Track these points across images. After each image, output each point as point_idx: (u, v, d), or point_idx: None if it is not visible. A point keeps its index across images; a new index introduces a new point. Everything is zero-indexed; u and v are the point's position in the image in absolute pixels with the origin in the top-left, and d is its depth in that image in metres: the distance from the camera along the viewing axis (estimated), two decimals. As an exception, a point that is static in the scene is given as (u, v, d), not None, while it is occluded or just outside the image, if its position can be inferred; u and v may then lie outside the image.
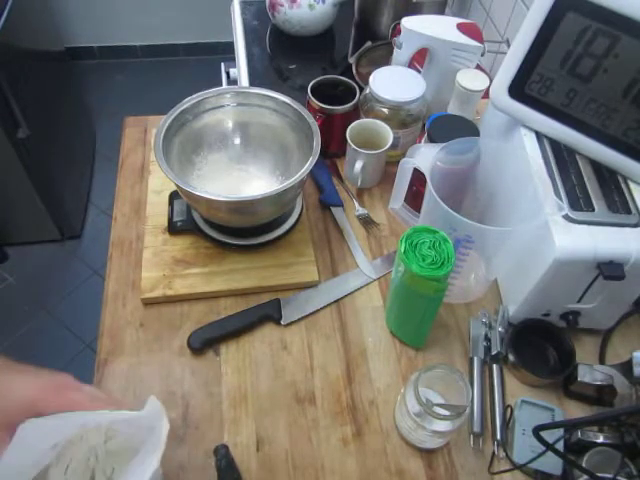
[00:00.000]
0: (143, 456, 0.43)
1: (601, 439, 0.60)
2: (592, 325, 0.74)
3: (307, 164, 0.71)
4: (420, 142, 0.83)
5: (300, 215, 0.82)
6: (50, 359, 1.63)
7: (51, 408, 0.45)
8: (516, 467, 0.63)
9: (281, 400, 0.68)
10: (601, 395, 0.67)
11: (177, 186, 0.70)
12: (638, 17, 0.59)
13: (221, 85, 1.44)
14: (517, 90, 0.70)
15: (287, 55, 1.27)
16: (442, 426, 0.59)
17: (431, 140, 0.77)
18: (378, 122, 0.86)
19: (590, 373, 0.66)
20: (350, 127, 0.86)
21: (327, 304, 0.76)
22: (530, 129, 0.72)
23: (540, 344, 0.73)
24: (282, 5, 1.20)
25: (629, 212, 0.64)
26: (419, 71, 0.93)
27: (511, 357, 0.70)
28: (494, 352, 0.70)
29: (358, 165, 0.84)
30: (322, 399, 0.68)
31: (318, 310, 0.76)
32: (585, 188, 0.67)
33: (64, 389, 0.47)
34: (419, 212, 0.77)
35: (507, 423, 0.66)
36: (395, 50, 0.91)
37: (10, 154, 1.53)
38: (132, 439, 0.46)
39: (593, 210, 0.64)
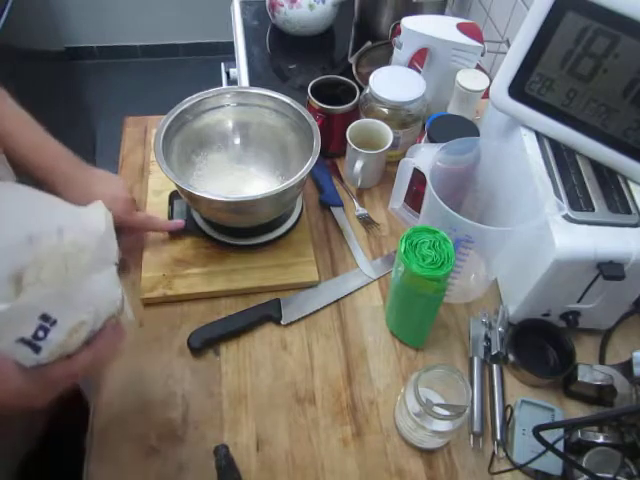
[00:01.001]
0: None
1: (601, 439, 0.60)
2: (592, 325, 0.74)
3: (307, 164, 0.71)
4: (420, 142, 0.83)
5: (300, 215, 0.82)
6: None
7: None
8: (516, 467, 0.62)
9: (281, 400, 0.68)
10: (601, 395, 0.67)
11: (177, 186, 0.70)
12: (638, 17, 0.59)
13: (221, 85, 1.44)
14: (517, 90, 0.70)
15: (287, 55, 1.27)
16: (442, 426, 0.59)
17: (431, 140, 0.77)
18: (378, 122, 0.86)
19: (590, 373, 0.66)
20: (350, 127, 0.86)
21: (327, 304, 0.76)
22: (530, 129, 0.72)
23: (540, 344, 0.73)
24: (282, 5, 1.20)
25: (629, 212, 0.64)
26: (419, 71, 0.93)
27: (511, 357, 0.70)
28: (494, 352, 0.70)
29: (358, 165, 0.84)
30: (322, 399, 0.68)
31: (318, 310, 0.76)
32: (585, 188, 0.67)
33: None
34: (419, 212, 0.77)
35: (507, 423, 0.66)
36: (395, 50, 0.91)
37: (10, 154, 1.53)
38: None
39: (593, 210, 0.64)
